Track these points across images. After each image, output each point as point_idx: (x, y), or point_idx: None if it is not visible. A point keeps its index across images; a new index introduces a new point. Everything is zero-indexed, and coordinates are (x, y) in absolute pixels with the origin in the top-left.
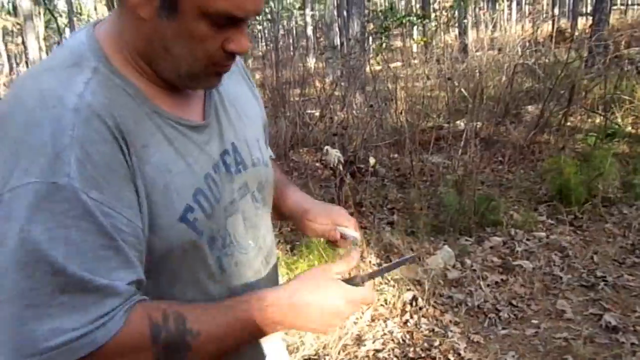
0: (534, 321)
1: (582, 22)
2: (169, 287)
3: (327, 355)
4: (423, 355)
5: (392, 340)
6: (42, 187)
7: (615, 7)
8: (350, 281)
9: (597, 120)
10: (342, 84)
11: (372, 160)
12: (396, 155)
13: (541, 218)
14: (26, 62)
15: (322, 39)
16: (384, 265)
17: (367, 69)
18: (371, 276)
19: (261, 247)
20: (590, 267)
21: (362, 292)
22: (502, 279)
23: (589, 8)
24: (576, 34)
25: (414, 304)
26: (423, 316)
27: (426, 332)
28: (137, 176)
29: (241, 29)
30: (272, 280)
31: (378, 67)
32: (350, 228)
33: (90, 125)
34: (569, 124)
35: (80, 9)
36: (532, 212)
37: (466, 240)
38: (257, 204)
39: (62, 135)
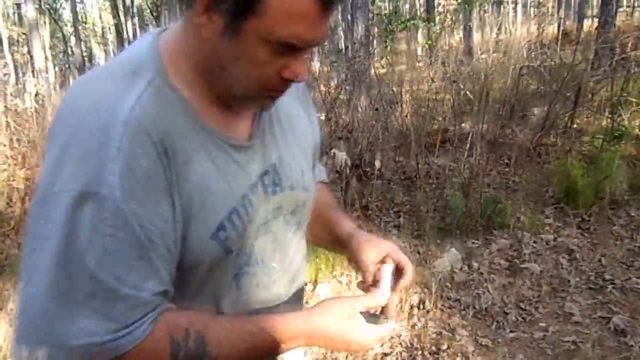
0: (542, 324)
1: (588, 24)
2: (191, 299)
3: (336, 358)
4: (431, 359)
5: (400, 343)
6: (86, 194)
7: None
8: (373, 318)
9: (604, 123)
10: (347, 87)
11: (377, 164)
12: (402, 158)
13: (548, 220)
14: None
15: (326, 43)
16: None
17: (372, 72)
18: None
19: (286, 270)
20: (598, 270)
21: (381, 332)
22: (509, 282)
23: (595, 10)
24: (582, 36)
25: (421, 306)
26: (430, 319)
27: (434, 336)
28: (175, 191)
29: (299, 57)
30: (295, 302)
31: (383, 70)
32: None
33: (137, 139)
34: (575, 126)
35: (85, 17)
36: (539, 214)
37: (473, 242)
38: (288, 226)
39: (109, 147)
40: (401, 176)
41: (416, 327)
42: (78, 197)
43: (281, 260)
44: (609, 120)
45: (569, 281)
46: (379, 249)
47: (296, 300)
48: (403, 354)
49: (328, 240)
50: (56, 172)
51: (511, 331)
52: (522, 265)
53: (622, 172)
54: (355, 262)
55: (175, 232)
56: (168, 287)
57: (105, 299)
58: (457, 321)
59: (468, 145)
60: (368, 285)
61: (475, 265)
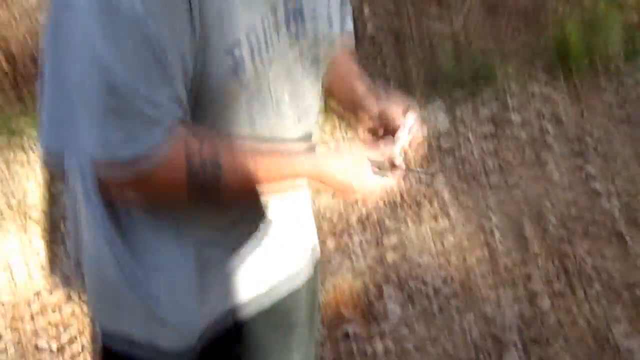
0: (520, 186)
1: None
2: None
3: None
4: (410, 211)
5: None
6: (108, 5)
7: None
8: (381, 170)
9: None
10: None
11: (369, 27)
12: (395, 18)
13: (538, 86)
14: None
15: None
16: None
17: None
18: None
19: (301, 118)
20: (582, 135)
21: (387, 182)
22: (493, 143)
23: None
24: None
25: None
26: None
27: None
28: (197, 14)
29: None
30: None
31: None
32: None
33: None
34: None
35: None
36: (530, 79)
37: (460, 106)
38: (311, 67)
39: None
40: (393, 40)
41: (397, 188)
42: (100, 8)
43: (296, 105)
44: None
45: (552, 145)
46: (394, 100)
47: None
48: (384, 210)
49: (347, 102)
50: None
51: (489, 191)
52: (507, 130)
53: (619, 38)
54: (362, 107)
55: (194, 46)
56: (183, 94)
57: (128, 107)
58: (439, 181)
59: (464, 6)
60: (374, 134)
61: (461, 128)
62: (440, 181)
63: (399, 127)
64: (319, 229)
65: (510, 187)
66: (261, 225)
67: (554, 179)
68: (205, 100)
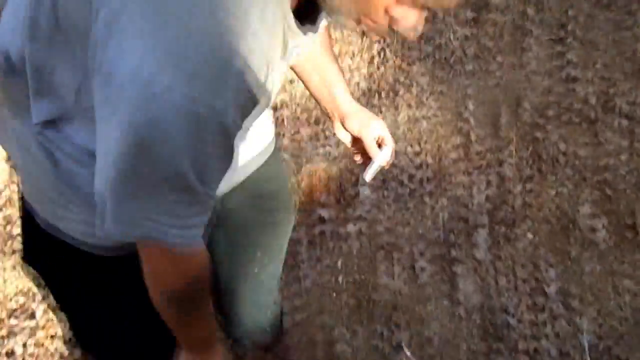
0: (497, 74)
1: None
2: None
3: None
4: (387, 101)
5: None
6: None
7: None
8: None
9: None
10: None
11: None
12: None
13: None
14: None
15: None
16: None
17: None
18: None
19: None
20: (562, 21)
21: None
22: (472, 33)
23: None
24: None
25: (382, 55)
26: (389, 67)
27: (391, 80)
28: None
29: None
30: None
31: None
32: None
33: None
34: None
35: None
36: None
37: None
38: None
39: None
40: None
41: (375, 76)
42: (197, 118)
43: None
44: None
45: (532, 31)
46: (367, 122)
47: None
48: (360, 98)
49: (321, 92)
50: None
51: (466, 79)
52: (487, 15)
53: None
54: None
55: None
56: None
57: (186, 199)
58: (416, 69)
59: None
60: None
61: (440, 15)
62: (417, 69)
63: (370, 158)
64: (296, 118)
65: (488, 74)
66: None
67: (532, 65)
68: None
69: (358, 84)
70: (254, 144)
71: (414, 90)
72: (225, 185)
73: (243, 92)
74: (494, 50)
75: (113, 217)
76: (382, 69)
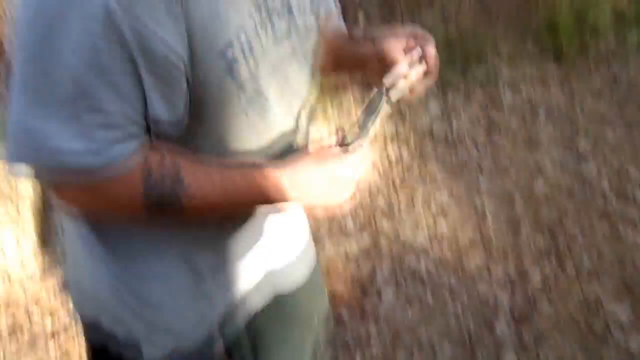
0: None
1: None
2: (208, 147)
3: None
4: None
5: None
6: (78, 3)
7: None
8: (344, 146)
9: None
10: None
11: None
12: (387, 17)
13: (529, 67)
14: None
15: None
16: (363, 116)
17: None
18: (361, 134)
19: (295, 112)
20: (573, 116)
21: (362, 155)
22: (484, 125)
23: None
24: None
25: (400, 162)
26: (408, 170)
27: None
28: (181, 7)
29: None
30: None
31: None
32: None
33: None
34: None
35: None
36: (518, 58)
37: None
38: (305, 62)
39: None
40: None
41: (395, 183)
42: (68, 4)
43: (289, 101)
44: None
45: (543, 126)
46: (401, 39)
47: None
48: (376, 193)
49: (344, 63)
50: None
51: (481, 173)
52: (498, 112)
53: (609, 20)
54: (380, 56)
55: (180, 41)
56: (159, 116)
57: (93, 119)
58: (432, 164)
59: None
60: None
61: (452, 112)
62: (432, 166)
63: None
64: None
65: (502, 170)
66: (249, 225)
67: (545, 159)
68: (204, 105)
69: (378, 189)
70: (284, 240)
71: (430, 186)
72: (256, 298)
73: None
74: (506, 145)
75: (15, 131)
76: (399, 165)
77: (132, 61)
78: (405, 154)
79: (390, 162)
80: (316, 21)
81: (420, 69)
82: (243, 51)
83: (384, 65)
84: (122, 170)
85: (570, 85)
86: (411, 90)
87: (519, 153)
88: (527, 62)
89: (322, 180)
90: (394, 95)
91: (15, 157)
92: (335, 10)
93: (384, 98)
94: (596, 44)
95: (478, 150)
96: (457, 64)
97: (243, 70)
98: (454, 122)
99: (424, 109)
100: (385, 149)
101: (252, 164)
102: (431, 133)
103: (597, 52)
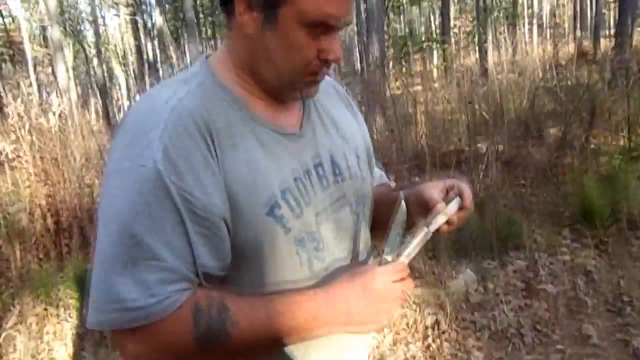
0: (558, 347)
1: (605, 44)
2: (259, 284)
3: None
4: None
5: None
6: (134, 169)
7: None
8: (380, 262)
9: (621, 142)
10: (363, 107)
11: (392, 184)
12: (417, 179)
13: (565, 241)
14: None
15: (342, 64)
16: (407, 239)
17: (387, 92)
18: (399, 252)
19: (357, 259)
20: (616, 291)
21: (394, 266)
22: (525, 303)
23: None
24: (598, 55)
25: (436, 327)
26: (445, 340)
27: (449, 357)
28: (220, 169)
29: (334, 39)
30: None
31: (398, 91)
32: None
33: (181, 121)
34: (592, 145)
35: (108, 39)
36: (555, 235)
37: (489, 263)
38: (355, 216)
39: (157, 128)
40: None
41: (431, 348)
42: (128, 173)
43: (350, 248)
44: (626, 140)
45: (586, 302)
46: (440, 185)
47: None
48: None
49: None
50: (113, 154)
51: (527, 353)
52: (539, 286)
53: (638, 190)
54: (422, 202)
55: (222, 205)
56: (205, 266)
57: (147, 265)
58: (472, 343)
59: (484, 165)
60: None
61: (491, 286)
62: (473, 342)
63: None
64: None
65: (549, 347)
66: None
67: (594, 338)
68: (252, 250)
69: (414, 357)
70: None
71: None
72: None
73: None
74: (551, 322)
75: (91, 304)
76: (437, 342)
77: (182, 221)
78: (444, 327)
79: (429, 336)
80: (359, 166)
81: (455, 205)
82: (287, 201)
83: (423, 203)
84: (174, 307)
85: (609, 258)
86: (449, 222)
87: (563, 331)
88: (563, 239)
89: (358, 295)
90: (433, 226)
91: (96, 318)
92: (390, 183)
93: (424, 229)
94: (629, 215)
95: (521, 324)
96: (494, 253)
97: (290, 218)
98: (495, 307)
99: (465, 299)
100: (424, 323)
101: (293, 292)
102: (473, 322)
103: (631, 221)
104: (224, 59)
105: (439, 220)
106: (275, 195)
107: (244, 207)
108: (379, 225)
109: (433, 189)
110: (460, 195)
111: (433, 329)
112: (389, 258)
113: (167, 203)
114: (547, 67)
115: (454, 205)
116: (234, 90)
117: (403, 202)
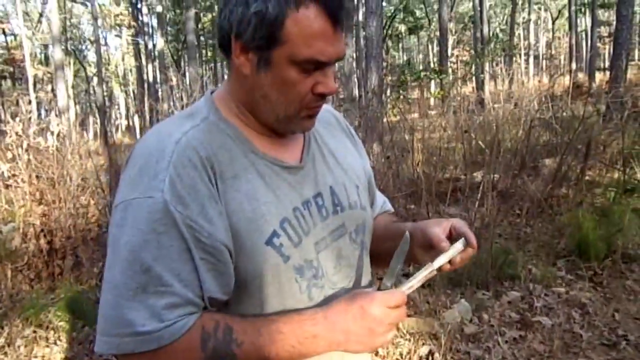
0: None
1: (600, 77)
2: (260, 310)
3: None
4: None
5: None
6: (142, 200)
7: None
8: (379, 287)
9: (616, 175)
10: (360, 134)
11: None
12: (413, 207)
13: (560, 273)
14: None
15: (340, 91)
16: (413, 273)
17: (385, 120)
18: (400, 281)
19: (358, 286)
20: (611, 325)
21: (392, 294)
22: (520, 335)
23: (606, 63)
24: (593, 88)
25: (430, 358)
26: None
27: None
28: (222, 200)
29: (327, 73)
30: None
31: (395, 119)
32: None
33: (186, 153)
34: (587, 178)
35: (109, 59)
36: (550, 267)
37: (483, 294)
38: (355, 245)
39: (163, 160)
40: None
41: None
42: (137, 204)
43: (350, 277)
44: (620, 173)
45: (581, 336)
46: (444, 223)
47: None
48: None
49: (389, 239)
50: (125, 187)
51: None
52: (534, 319)
53: (634, 225)
54: (427, 239)
55: (225, 233)
56: (211, 292)
57: (156, 291)
58: None
59: (479, 194)
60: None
61: (486, 317)
62: None
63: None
64: None
65: None
66: None
67: None
68: (253, 278)
69: None
70: None
71: None
72: None
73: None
74: (546, 355)
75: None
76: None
77: (188, 249)
78: (438, 357)
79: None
80: (359, 196)
81: (460, 244)
82: (286, 231)
83: (428, 239)
84: (182, 331)
85: (604, 291)
86: (451, 262)
87: None
88: (557, 271)
89: (355, 317)
90: (437, 263)
91: (105, 343)
92: (391, 210)
93: (429, 266)
94: (624, 247)
95: (515, 356)
96: (489, 284)
97: (288, 247)
98: (490, 340)
99: (460, 330)
100: (418, 353)
101: (293, 313)
102: (468, 355)
103: (626, 254)
104: (226, 94)
105: (442, 259)
106: (274, 225)
107: (244, 236)
108: (383, 257)
109: (438, 227)
110: (465, 236)
111: (427, 359)
112: (389, 284)
113: (173, 232)
114: (543, 99)
115: (458, 245)
116: (236, 124)
117: (407, 233)
